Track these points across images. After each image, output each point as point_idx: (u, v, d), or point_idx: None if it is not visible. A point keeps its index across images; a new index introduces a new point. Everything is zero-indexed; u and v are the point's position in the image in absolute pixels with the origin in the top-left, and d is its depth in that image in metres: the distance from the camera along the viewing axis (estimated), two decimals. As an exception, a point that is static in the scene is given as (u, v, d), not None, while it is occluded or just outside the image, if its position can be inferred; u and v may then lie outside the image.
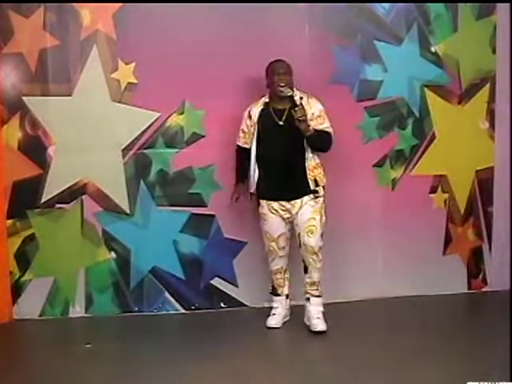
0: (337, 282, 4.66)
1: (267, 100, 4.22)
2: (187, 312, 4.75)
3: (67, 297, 4.66)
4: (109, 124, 4.57)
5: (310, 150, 4.16)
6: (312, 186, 4.17)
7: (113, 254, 4.67)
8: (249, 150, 4.27)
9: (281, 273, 4.36)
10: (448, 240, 5.02)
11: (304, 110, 4.02)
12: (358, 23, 4.73)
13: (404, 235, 4.86)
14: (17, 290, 4.61)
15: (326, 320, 4.20)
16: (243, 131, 4.33)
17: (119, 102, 4.56)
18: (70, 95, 4.52)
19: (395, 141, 4.87)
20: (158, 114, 4.60)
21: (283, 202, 4.19)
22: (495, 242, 5.07)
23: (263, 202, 4.26)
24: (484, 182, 5.02)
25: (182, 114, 4.63)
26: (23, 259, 4.60)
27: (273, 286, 4.43)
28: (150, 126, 4.60)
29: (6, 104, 4.49)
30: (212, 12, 4.55)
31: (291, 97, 4.05)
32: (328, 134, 4.20)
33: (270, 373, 3.69)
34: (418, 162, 4.92)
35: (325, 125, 4.18)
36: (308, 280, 4.24)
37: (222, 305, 4.78)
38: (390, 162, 4.87)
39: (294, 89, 4.13)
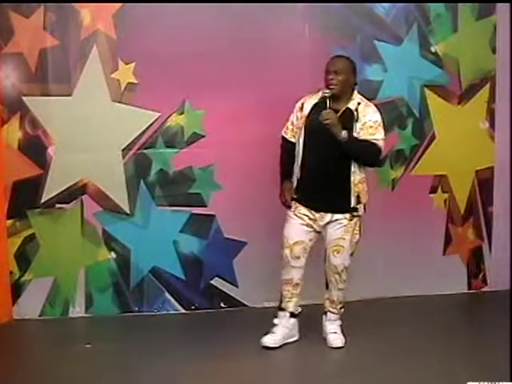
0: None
1: (325, 94, 3.83)
2: (187, 312, 4.75)
3: (67, 297, 4.66)
4: (109, 124, 4.56)
5: (355, 164, 3.82)
6: (353, 203, 3.84)
7: (113, 254, 4.67)
8: (294, 145, 3.95)
9: (290, 284, 3.98)
10: (448, 240, 5.02)
11: (333, 113, 3.73)
12: (358, 23, 4.73)
13: (404, 235, 4.86)
14: (17, 290, 4.61)
15: (344, 332, 4.06)
16: (292, 123, 4.00)
17: (119, 102, 4.56)
18: (70, 95, 4.52)
19: (395, 141, 4.87)
20: (158, 114, 4.60)
21: (312, 211, 3.89)
22: (495, 242, 5.07)
23: (293, 205, 3.95)
24: (484, 182, 5.03)
25: (182, 114, 4.63)
26: (23, 259, 4.60)
27: (281, 298, 4.07)
28: (150, 125, 4.60)
29: (6, 104, 4.49)
30: (212, 12, 4.54)
31: (335, 97, 3.77)
32: (374, 145, 3.81)
33: (270, 372, 3.69)
34: (418, 162, 4.92)
35: (375, 136, 3.81)
36: (327, 296, 4.05)
37: (222, 305, 4.78)
38: (390, 162, 4.87)
39: (355, 92, 3.88)
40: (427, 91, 4.87)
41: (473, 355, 3.82)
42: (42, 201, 4.57)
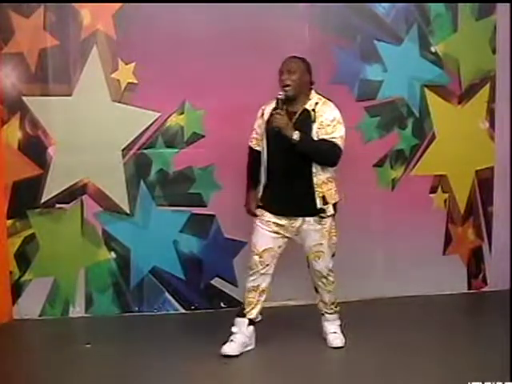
0: (337, 281, 4.65)
1: (279, 97, 3.78)
2: (187, 312, 4.75)
3: (67, 297, 4.66)
4: (109, 124, 4.56)
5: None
6: (319, 204, 3.75)
7: (113, 254, 4.67)
8: (259, 153, 3.92)
9: (255, 291, 3.88)
10: (448, 240, 5.02)
11: (282, 116, 3.65)
12: (358, 23, 4.73)
13: (404, 235, 4.86)
14: (17, 290, 4.61)
15: (344, 332, 4.04)
16: (256, 132, 3.97)
17: (119, 102, 4.56)
18: (70, 95, 4.52)
19: (395, 141, 4.87)
20: (158, 114, 4.60)
21: (279, 217, 3.80)
22: (495, 242, 5.07)
23: (260, 211, 3.88)
24: (484, 182, 5.03)
25: (182, 114, 4.63)
26: (23, 259, 4.60)
27: (242, 306, 3.95)
28: (149, 125, 4.60)
29: (6, 104, 4.49)
30: (212, 12, 4.54)
31: (290, 98, 3.72)
32: (332, 144, 3.71)
33: (270, 372, 3.69)
34: (418, 162, 4.92)
35: (332, 135, 3.71)
36: (319, 299, 4.03)
37: (222, 305, 4.77)
38: (390, 162, 4.87)
39: (313, 92, 3.81)
40: (427, 91, 4.87)
41: (473, 355, 3.82)
42: (42, 201, 4.57)
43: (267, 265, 3.86)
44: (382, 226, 4.85)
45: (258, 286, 3.89)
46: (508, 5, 4.86)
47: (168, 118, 4.62)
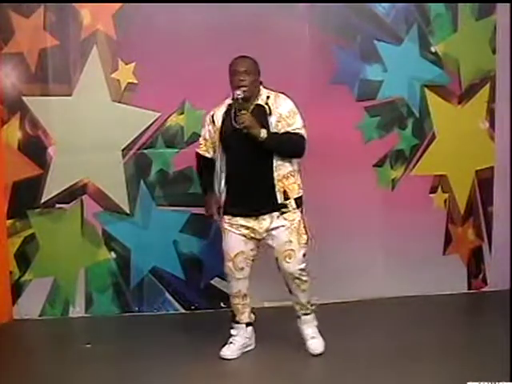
0: (337, 281, 4.66)
1: (230, 102, 3.76)
2: (187, 312, 4.75)
3: (67, 297, 4.66)
4: (109, 124, 4.57)
5: (278, 158, 3.66)
6: (280, 199, 3.67)
7: (113, 254, 4.67)
8: (211, 160, 3.85)
9: (238, 297, 3.88)
10: (448, 240, 5.02)
11: (248, 115, 3.59)
12: (358, 23, 4.73)
13: (404, 235, 4.85)
14: (17, 290, 4.62)
15: (322, 334, 3.92)
16: (204, 138, 3.88)
17: (119, 102, 4.56)
18: (70, 95, 4.52)
19: (395, 141, 4.87)
20: (158, 114, 4.60)
21: (247, 219, 3.73)
22: (495, 242, 5.07)
23: (225, 216, 3.80)
24: (484, 182, 5.02)
25: (182, 114, 4.63)
26: (23, 259, 4.61)
27: (232, 312, 3.97)
28: (149, 125, 4.60)
29: (6, 104, 4.49)
30: (212, 12, 4.55)
31: (246, 98, 3.64)
32: (296, 135, 3.66)
33: (270, 372, 3.69)
34: (418, 162, 4.92)
35: (294, 126, 3.66)
36: (295, 301, 3.87)
37: (222, 305, 4.77)
38: (390, 162, 4.87)
39: (261, 87, 3.74)
40: (427, 91, 4.86)
41: (473, 355, 3.82)
42: (42, 201, 4.57)
43: (241, 268, 3.82)
44: (381, 225, 4.84)
45: (239, 291, 3.88)
46: (508, 5, 4.85)
47: (168, 118, 4.62)
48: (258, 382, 3.60)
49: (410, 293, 4.85)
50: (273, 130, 3.66)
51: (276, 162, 3.66)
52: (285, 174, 3.69)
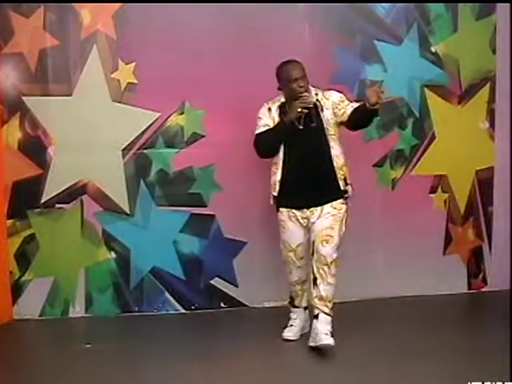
0: (336, 282, 4.65)
1: (283, 101, 3.96)
2: (187, 312, 4.75)
3: (67, 297, 4.66)
4: (109, 124, 4.57)
5: (335, 149, 3.90)
6: (342, 186, 3.92)
7: (113, 254, 4.67)
8: None
9: (299, 284, 4.08)
10: (448, 240, 5.02)
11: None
12: (358, 23, 4.73)
13: (404, 235, 4.86)
14: (17, 290, 4.62)
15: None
16: (266, 125, 3.95)
17: (119, 102, 4.56)
18: (70, 95, 4.52)
19: (395, 141, 4.87)
20: (158, 114, 4.60)
21: (304, 210, 3.91)
22: (495, 242, 5.07)
23: (283, 209, 3.98)
24: (484, 182, 5.03)
25: (182, 114, 4.63)
26: (23, 259, 4.61)
27: (291, 297, 4.17)
28: (150, 125, 4.60)
29: (6, 104, 4.50)
30: (212, 12, 4.55)
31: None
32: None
33: (270, 372, 3.69)
34: (418, 162, 4.92)
35: (352, 104, 3.91)
36: (316, 294, 3.84)
37: (222, 305, 4.78)
38: (390, 162, 4.87)
39: (310, 87, 3.93)
40: (427, 91, 4.87)
41: (473, 355, 3.82)
42: (42, 201, 4.57)
43: (301, 257, 4.01)
44: (382, 225, 4.84)
45: (300, 278, 4.07)
46: (508, 5, 4.85)
47: (168, 118, 4.62)
48: (258, 381, 3.60)
49: (410, 293, 4.85)
50: (329, 119, 3.90)
51: (334, 153, 3.90)
52: (343, 162, 3.94)
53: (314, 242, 3.87)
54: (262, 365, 3.80)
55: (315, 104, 3.89)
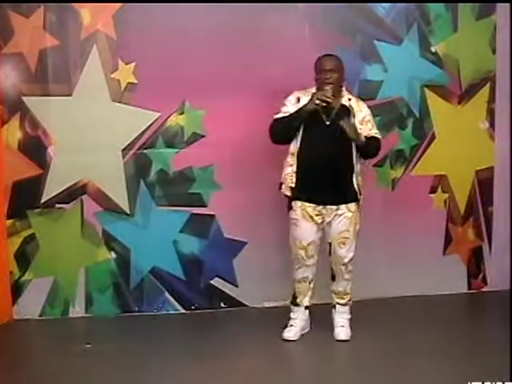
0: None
1: (314, 91, 3.94)
2: (187, 312, 4.74)
3: (67, 297, 4.66)
4: (109, 124, 4.56)
5: (356, 156, 3.95)
6: (358, 192, 3.98)
7: (113, 254, 4.67)
8: None
9: (305, 282, 4.10)
10: (448, 240, 5.02)
11: (350, 122, 3.85)
12: (358, 23, 4.73)
13: (404, 235, 4.86)
14: (17, 290, 4.61)
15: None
16: (287, 113, 3.97)
17: (119, 102, 4.56)
18: (70, 95, 4.52)
19: (395, 141, 4.87)
20: (158, 114, 4.60)
21: (319, 207, 3.94)
22: (495, 242, 5.07)
23: (296, 206, 3.97)
24: (484, 182, 5.03)
25: (182, 114, 4.63)
26: (23, 259, 4.60)
27: (294, 294, 4.17)
28: (150, 126, 4.60)
29: (6, 104, 4.49)
30: (212, 12, 4.54)
31: (335, 96, 3.84)
32: (377, 140, 4.02)
33: (270, 372, 3.69)
34: (418, 162, 4.92)
35: (373, 131, 4.01)
36: (334, 289, 4.13)
37: (222, 305, 4.77)
38: (390, 162, 4.87)
39: (343, 89, 3.99)
40: (427, 91, 4.87)
41: (473, 355, 3.82)
42: (42, 201, 4.57)
43: (312, 256, 4.03)
44: (382, 225, 4.84)
45: (307, 276, 4.09)
46: (508, 5, 4.86)
47: (168, 118, 4.62)
48: (258, 381, 3.60)
49: (410, 293, 4.85)
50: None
51: (356, 159, 3.95)
52: (360, 170, 4.01)
53: (330, 244, 4.03)
54: (261, 365, 3.80)
55: (347, 108, 3.93)
